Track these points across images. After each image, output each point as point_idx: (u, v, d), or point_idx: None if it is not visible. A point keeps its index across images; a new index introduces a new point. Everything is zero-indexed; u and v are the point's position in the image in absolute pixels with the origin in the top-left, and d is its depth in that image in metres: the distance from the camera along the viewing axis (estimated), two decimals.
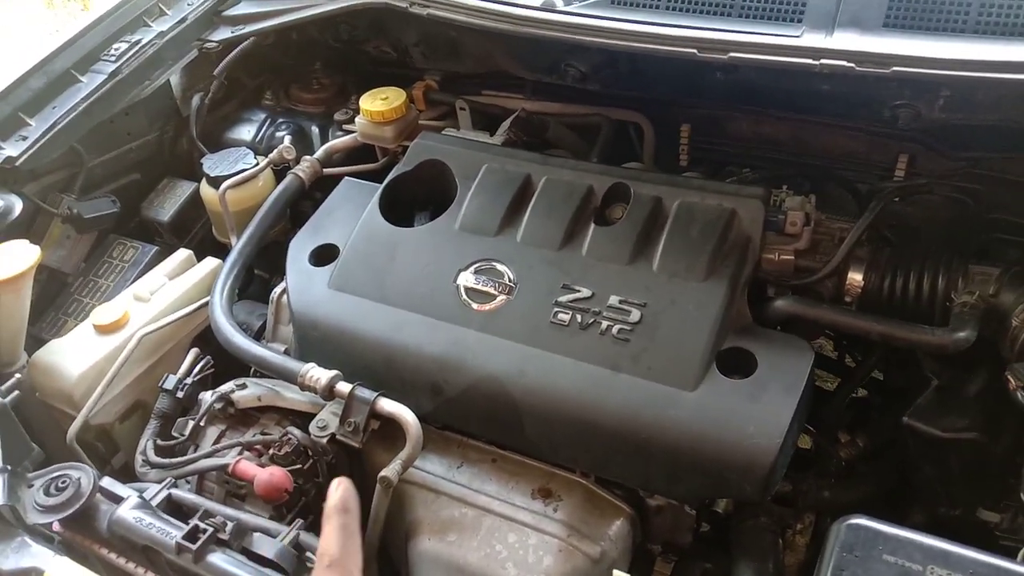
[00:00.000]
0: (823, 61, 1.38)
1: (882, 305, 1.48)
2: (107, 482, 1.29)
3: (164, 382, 1.58)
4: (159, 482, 1.41)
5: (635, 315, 1.40)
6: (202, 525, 1.15)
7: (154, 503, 1.28)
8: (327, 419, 1.47)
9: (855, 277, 1.49)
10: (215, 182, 1.88)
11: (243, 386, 1.55)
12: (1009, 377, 1.26)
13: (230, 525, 1.16)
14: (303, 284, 1.62)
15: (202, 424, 1.53)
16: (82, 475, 1.24)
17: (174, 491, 1.33)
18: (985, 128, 1.54)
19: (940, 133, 1.62)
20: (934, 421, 1.39)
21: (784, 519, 1.47)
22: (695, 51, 1.47)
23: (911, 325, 1.38)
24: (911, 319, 1.44)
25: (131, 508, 1.20)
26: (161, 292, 1.74)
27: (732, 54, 1.44)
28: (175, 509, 1.32)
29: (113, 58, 1.94)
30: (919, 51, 1.35)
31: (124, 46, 1.96)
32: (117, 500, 1.25)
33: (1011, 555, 1.16)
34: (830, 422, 1.66)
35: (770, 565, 1.37)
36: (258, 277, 2.01)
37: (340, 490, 0.72)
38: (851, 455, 1.62)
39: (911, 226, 1.74)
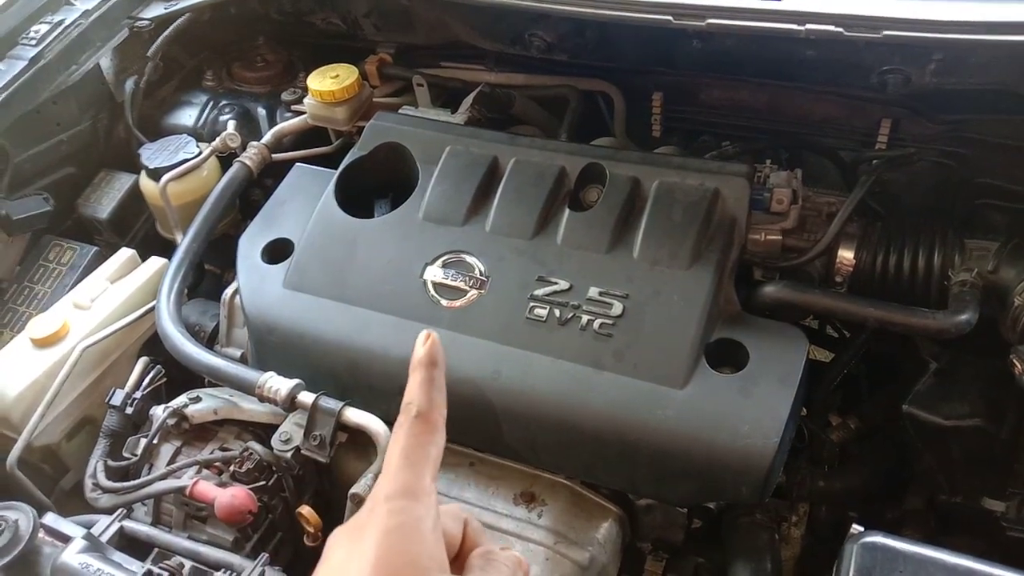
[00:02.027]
0: (808, 26, 1.28)
1: (874, 284, 1.41)
2: (50, 519, 1.17)
3: (111, 398, 1.46)
4: (111, 509, 1.30)
5: (617, 308, 1.31)
6: (155, 570, 1.05)
7: (104, 538, 1.18)
8: (291, 431, 1.37)
9: (846, 255, 1.41)
10: (155, 174, 1.74)
11: (197, 399, 1.44)
12: (1015, 361, 1.20)
13: (187, 566, 1.06)
14: (256, 284, 1.50)
15: (155, 442, 1.41)
16: (20, 516, 1.12)
17: (127, 523, 1.22)
18: (974, 91, 1.46)
19: (926, 97, 1.54)
20: (935, 408, 1.32)
21: (779, 512, 1.41)
22: (670, 18, 1.36)
23: (909, 309, 1.30)
24: (906, 298, 1.37)
25: (77, 552, 1.09)
26: (103, 298, 1.61)
27: (710, 20, 1.34)
28: (129, 542, 1.21)
29: (34, 41, 1.77)
30: (911, 12, 1.26)
31: (45, 28, 1.79)
32: (63, 539, 1.14)
33: (1020, 547, 1.12)
34: (821, 404, 1.60)
35: (767, 563, 1.31)
36: (209, 272, 1.88)
37: (428, 344, 0.65)
38: (843, 438, 1.56)
39: (896, 194, 1.67)
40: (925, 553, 0.85)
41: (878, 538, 0.87)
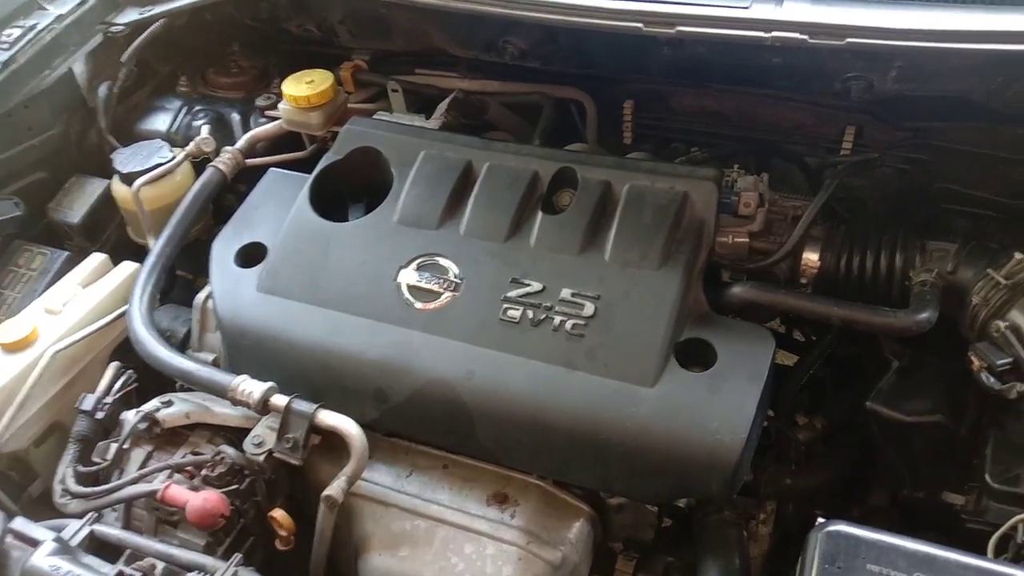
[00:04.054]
0: (775, 33, 1.32)
1: (839, 285, 1.45)
2: (19, 523, 1.17)
3: (81, 402, 1.45)
4: (81, 515, 1.29)
5: (588, 308, 1.33)
6: (127, 571, 1.04)
7: (74, 542, 1.17)
8: (263, 434, 1.37)
9: (811, 257, 1.45)
10: (128, 179, 1.74)
11: (169, 403, 1.43)
12: (972, 358, 1.24)
13: (160, 567, 1.06)
14: (229, 288, 1.51)
15: (126, 446, 1.40)
16: None
17: (97, 527, 1.21)
18: (934, 98, 1.51)
19: (888, 104, 1.58)
20: (897, 405, 1.36)
21: (747, 510, 1.43)
22: (640, 25, 1.39)
23: (872, 308, 1.34)
24: (868, 298, 1.40)
25: (46, 555, 1.08)
26: (74, 302, 1.60)
27: (680, 28, 1.37)
28: (100, 547, 1.20)
29: (6, 45, 1.77)
30: (873, 21, 1.30)
31: (17, 32, 1.79)
32: (32, 543, 1.13)
33: (979, 538, 1.15)
34: (787, 404, 1.63)
35: (736, 560, 1.33)
36: (181, 278, 1.88)
37: None
38: (809, 437, 1.59)
39: (860, 199, 1.71)
40: (886, 540, 0.87)
41: (841, 526, 0.90)
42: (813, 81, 1.54)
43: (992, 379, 1.22)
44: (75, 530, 1.17)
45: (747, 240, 1.45)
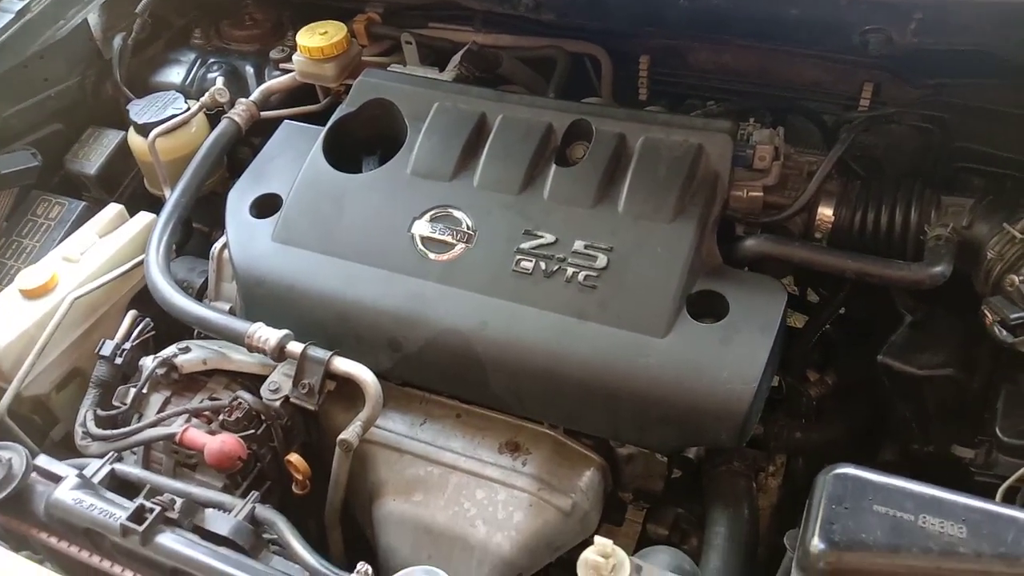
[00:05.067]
0: None
1: (853, 240, 1.44)
2: (43, 460, 1.19)
3: (101, 348, 1.48)
4: (101, 456, 1.32)
5: (601, 260, 1.34)
6: (148, 504, 1.06)
7: (96, 480, 1.20)
8: (279, 381, 1.39)
9: (825, 212, 1.44)
10: (144, 130, 1.74)
11: (187, 349, 1.45)
12: (986, 311, 1.24)
13: (179, 502, 1.08)
14: (245, 238, 1.52)
15: (144, 391, 1.43)
16: (13, 455, 1.14)
17: (118, 466, 1.24)
18: (953, 53, 1.48)
19: (907, 60, 1.56)
20: (910, 358, 1.36)
21: (757, 462, 1.44)
22: None
23: (886, 261, 1.34)
24: (883, 253, 1.40)
25: (70, 488, 1.11)
26: (92, 251, 1.63)
27: None
28: (120, 485, 1.23)
29: None
30: None
31: None
32: (55, 479, 1.16)
33: (987, 491, 1.16)
34: (798, 360, 1.63)
35: (745, 510, 1.35)
36: (197, 231, 1.89)
37: None
38: (820, 393, 1.60)
39: (876, 157, 1.70)
40: (893, 482, 0.88)
41: (849, 469, 0.91)
42: (831, 34, 1.51)
43: (1005, 332, 1.22)
44: (97, 467, 1.20)
45: (761, 194, 1.44)
